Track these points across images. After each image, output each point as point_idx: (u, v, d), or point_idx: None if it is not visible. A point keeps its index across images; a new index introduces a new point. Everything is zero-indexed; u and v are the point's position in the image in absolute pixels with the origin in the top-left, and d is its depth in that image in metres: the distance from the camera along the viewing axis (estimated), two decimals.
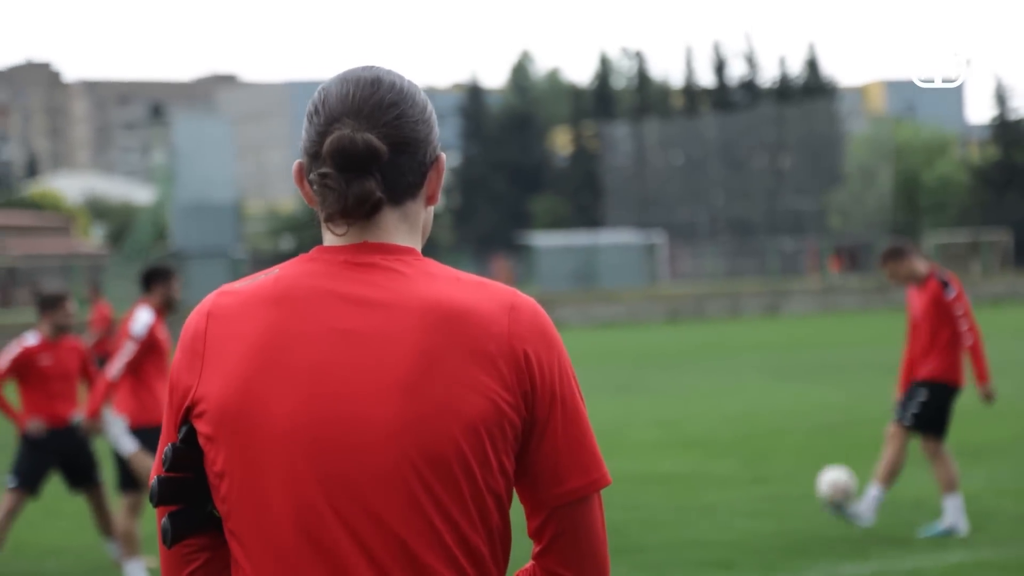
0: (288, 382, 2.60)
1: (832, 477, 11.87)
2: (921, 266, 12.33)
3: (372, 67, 2.77)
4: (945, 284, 12.19)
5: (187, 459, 2.67)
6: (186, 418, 2.68)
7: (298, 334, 2.62)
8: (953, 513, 11.93)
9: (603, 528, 2.75)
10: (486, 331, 2.62)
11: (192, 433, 2.67)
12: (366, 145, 2.65)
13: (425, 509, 2.57)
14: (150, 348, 11.14)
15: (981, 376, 12.25)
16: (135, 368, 11.08)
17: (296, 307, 2.64)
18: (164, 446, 2.70)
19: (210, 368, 2.65)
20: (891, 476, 12.03)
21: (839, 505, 11.71)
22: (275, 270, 2.72)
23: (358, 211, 2.67)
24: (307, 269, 2.69)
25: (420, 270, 2.68)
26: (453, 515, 2.59)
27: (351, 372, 2.60)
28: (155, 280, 11.31)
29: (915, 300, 12.37)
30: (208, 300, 2.73)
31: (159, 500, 2.68)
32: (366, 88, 2.71)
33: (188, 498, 2.68)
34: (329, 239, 2.74)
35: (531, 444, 2.67)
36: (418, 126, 2.73)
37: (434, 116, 2.80)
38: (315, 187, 2.69)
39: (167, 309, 11.34)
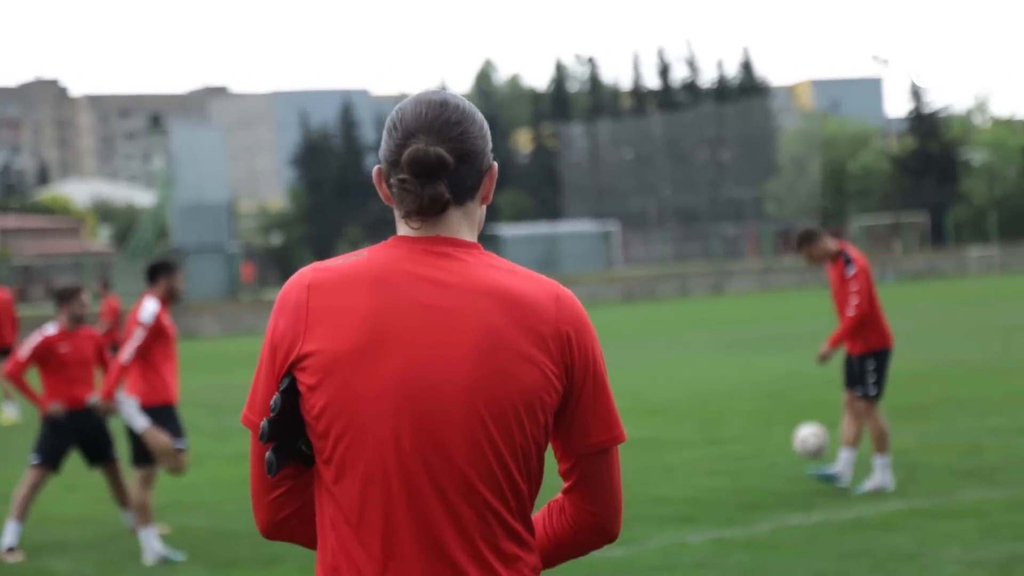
0: (388, 345, 2.91)
1: (802, 438, 11.91)
2: (831, 245, 12.28)
3: (441, 91, 3.05)
4: (847, 261, 12.18)
5: (289, 404, 2.93)
6: (289, 371, 2.95)
7: (394, 307, 2.92)
8: (882, 470, 11.90)
9: (619, 474, 3.11)
10: (539, 315, 2.96)
11: (293, 383, 2.94)
12: (437, 156, 2.94)
13: (484, 451, 2.91)
14: (157, 334, 11.09)
15: (834, 341, 12.23)
16: (144, 353, 11.04)
17: (391, 285, 2.94)
18: (266, 396, 2.97)
19: (315, 330, 2.93)
20: (882, 442, 11.97)
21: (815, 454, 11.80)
22: (363, 253, 3.00)
23: (431, 210, 2.97)
24: (393, 254, 2.98)
25: (483, 261, 3.00)
26: (505, 458, 2.92)
27: (434, 339, 2.91)
28: (160, 273, 11.27)
29: (831, 276, 12.38)
30: (306, 275, 2.99)
31: (268, 438, 2.93)
32: (436, 109, 2.99)
33: (285, 436, 2.94)
34: (404, 231, 3.02)
35: (568, 406, 3.01)
36: (477, 141, 3.02)
37: (488, 132, 3.07)
38: (394, 190, 2.99)
39: (171, 299, 11.30)
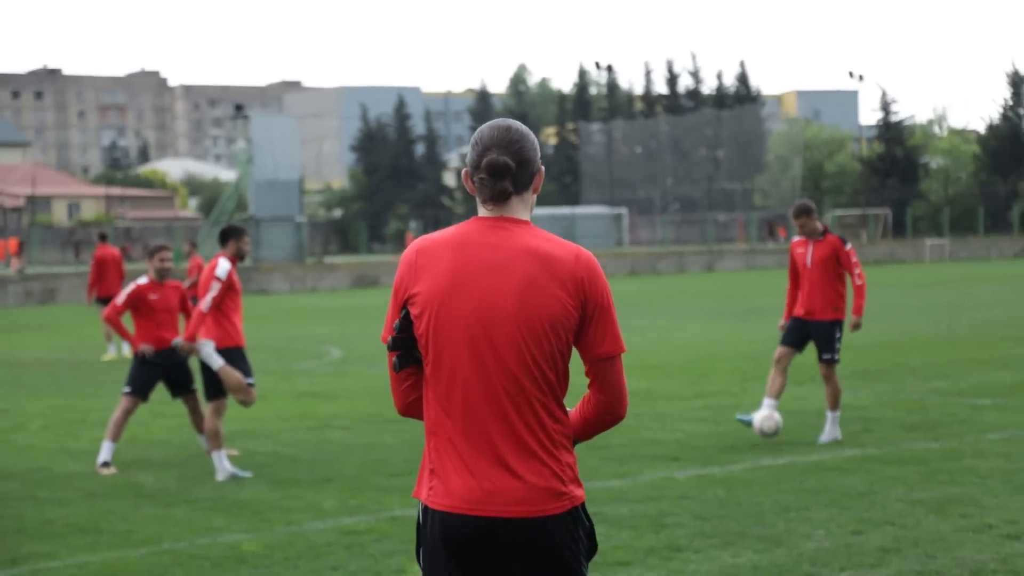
0: (463, 288, 3.72)
1: (759, 425, 11.62)
2: (819, 224, 12.20)
3: (507, 119, 3.84)
4: (844, 240, 12.10)
5: (405, 327, 3.79)
6: (404, 305, 3.79)
7: (468, 263, 3.73)
8: (833, 424, 11.82)
9: (622, 374, 3.84)
10: (562, 266, 3.73)
11: (407, 313, 3.78)
12: (504, 163, 3.76)
13: (523, 354, 3.70)
14: (229, 288, 11.13)
15: (859, 310, 12.06)
16: (218, 303, 11.08)
17: (467, 249, 3.75)
18: (391, 322, 3.82)
19: (420, 279, 3.76)
20: (837, 400, 11.91)
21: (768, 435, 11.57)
22: (453, 228, 3.80)
23: (500, 199, 3.78)
24: (471, 228, 3.78)
25: (529, 232, 3.78)
26: (539, 360, 3.71)
27: (491, 284, 3.72)
28: (229, 237, 11.32)
29: (813, 251, 11.97)
30: (418, 242, 3.83)
31: (393, 347, 3.80)
32: (503, 131, 3.80)
33: (405, 346, 3.80)
34: (482, 212, 3.81)
35: (584, 327, 3.77)
36: (530, 152, 3.81)
37: (537, 146, 3.85)
38: (476, 184, 3.78)
39: (239, 259, 11.33)
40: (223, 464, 10.91)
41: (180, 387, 11.88)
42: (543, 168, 3.87)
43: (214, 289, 10.97)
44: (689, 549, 7.88)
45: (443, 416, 3.73)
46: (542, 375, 3.70)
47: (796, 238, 12.28)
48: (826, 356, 11.97)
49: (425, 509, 3.74)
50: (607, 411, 3.83)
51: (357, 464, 11.31)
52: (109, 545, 8.54)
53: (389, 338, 3.80)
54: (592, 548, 3.82)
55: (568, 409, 3.85)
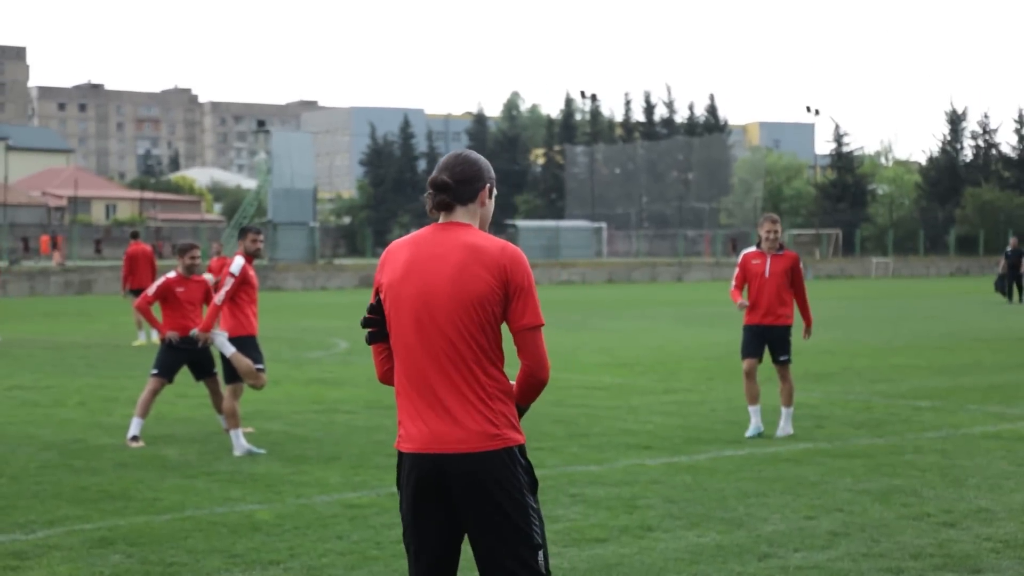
0: (412, 275, 4.12)
1: None
2: (782, 238, 12.12)
3: (465, 151, 4.26)
4: (799, 257, 12.05)
5: (376, 310, 4.21)
6: (377, 292, 4.21)
7: (418, 256, 4.14)
8: (786, 420, 11.78)
9: (543, 345, 4.13)
10: (489, 255, 4.09)
11: (379, 300, 4.20)
12: (442, 181, 4.16)
13: (459, 325, 4.07)
14: (243, 282, 11.07)
15: (811, 322, 11.98)
16: (233, 296, 11.03)
17: (419, 246, 4.16)
18: (370, 304, 4.22)
19: (385, 271, 4.20)
20: (791, 398, 11.85)
21: None
22: (415, 232, 4.19)
23: (440, 207, 4.19)
24: (427, 231, 4.19)
25: (468, 232, 4.15)
26: (471, 328, 4.07)
27: (434, 270, 4.10)
28: (240, 237, 11.32)
29: (772, 263, 11.78)
30: (389, 245, 4.24)
31: (364, 325, 4.21)
32: (453, 158, 4.22)
33: (375, 324, 4.22)
34: (436, 220, 4.21)
35: (508, 304, 4.11)
36: (471, 173, 4.19)
37: (485, 169, 4.21)
38: (427, 197, 4.20)
39: (252, 256, 11.27)
40: (240, 441, 10.84)
41: (203, 370, 11.81)
42: (490, 185, 4.22)
43: (228, 284, 10.95)
44: (659, 529, 7.84)
45: (402, 377, 4.14)
46: (474, 340, 4.05)
47: (750, 250, 12.04)
48: (783, 358, 11.91)
49: (399, 455, 4.16)
50: (531, 374, 4.10)
51: (361, 444, 11.25)
52: (137, 511, 8.47)
53: (363, 317, 4.23)
54: (533, 483, 4.09)
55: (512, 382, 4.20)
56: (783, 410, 11.82)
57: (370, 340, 4.22)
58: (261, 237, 11.42)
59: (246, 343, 11.05)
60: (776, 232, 11.89)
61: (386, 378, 4.28)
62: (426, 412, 4.05)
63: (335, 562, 7.04)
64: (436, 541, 4.07)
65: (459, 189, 4.14)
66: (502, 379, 4.10)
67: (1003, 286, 37.22)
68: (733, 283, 12.02)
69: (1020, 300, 36.55)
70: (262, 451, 10.87)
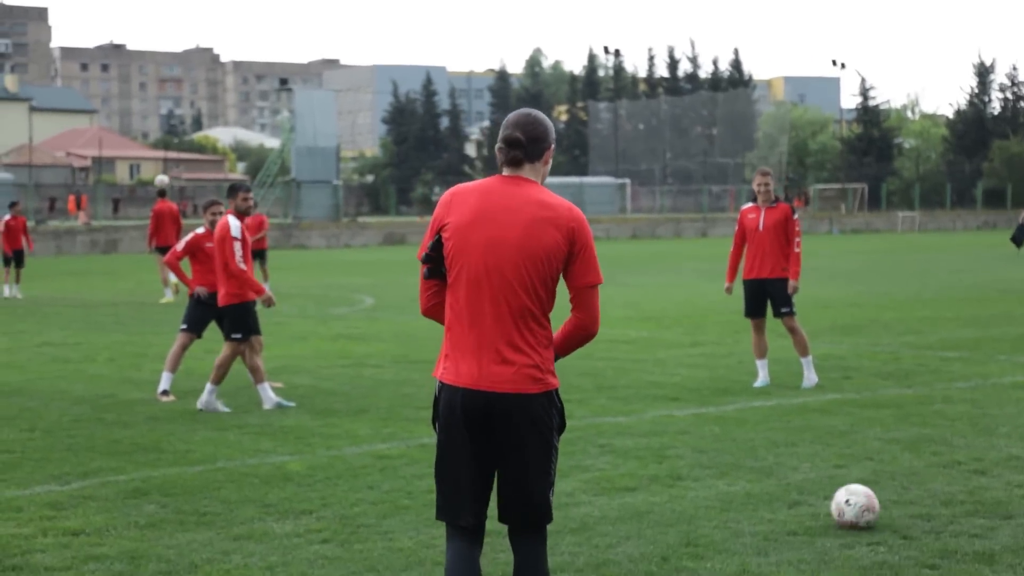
0: (482, 223, 4.37)
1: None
2: (776, 192, 12.08)
3: (531, 110, 4.49)
4: (794, 209, 12.00)
5: (436, 248, 4.42)
6: (438, 232, 4.41)
7: (488, 205, 4.38)
8: (808, 368, 11.76)
9: (598, 301, 4.44)
10: (558, 214, 4.38)
11: (440, 238, 4.41)
12: (516, 138, 4.40)
13: (524, 275, 4.36)
14: (245, 241, 11.04)
15: (796, 275, 11.84)
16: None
17: (488, 196, 4.40)
18: (426, 243, 4.44)
19: (452, 213, 4.41)
20: (806, 347, 11.83)
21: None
22: (480, 181, 4.42)
23: (512, 164, 4.44)
24: (495, 181, 4.43)
25: (536, 189, 4.42)
26: (535, 279, 4.36)
27: (504, 221, 4.36)
28: (230, 196, 11.23)
29: (765, 216, 11.73)
30: (454, 188, 4.48)
31: (424, 261, 4.44)
32: (523, 116, 4.45)
33: (433, 262, 4.43)
34: (504, 173, 4.45)
35: (571, 262, 4.40)
36: (541, 133, 4.43)
37: (551, 130, 4.46)
38: (498, 152, 4.42)
39: (243, 214, 11.19)
40: (268, 394, 10.89)
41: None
42: (553, 146, 4.47)
43: (237, 248, 10.86)
44: (688, 478, 7.86)
45: (460, 316, 4.39)
46: (535, 291, 4.34)
47: (747, 206, 12.02)
48: (784, 310, 11.80)
49: (441, 385, 4.41)
50: (583, 327, 4.44)
51: (389, 398, 11.30)
52: (169, 462, 8.54)
53: (423, 254, 4.43)
54: (562, 425, 4.48)
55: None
56: (802, 360, 11.77)
57: (427, 276, 4.46)
58: (251, 195, 11.39)
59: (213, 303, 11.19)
60: (767, 184, 11.82)
61: (430, 312, 4.52)
62: (479, 352, 4.34)
63: (367, 511, 7.09)
64: (474, 472, 4.39)
65: (530, 147, 4.40)
66: (549, 329, 4.42)
67: (1020, 237, 36.53)
68: (733, 243, 12.01)
69: None
70: (292, 404, 10.92)
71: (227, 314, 10.97)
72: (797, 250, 11.87)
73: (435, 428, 4.46)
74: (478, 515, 4.42)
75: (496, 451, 4.38)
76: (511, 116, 4.44)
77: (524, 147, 4.38)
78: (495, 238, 4.32)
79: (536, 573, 4.43)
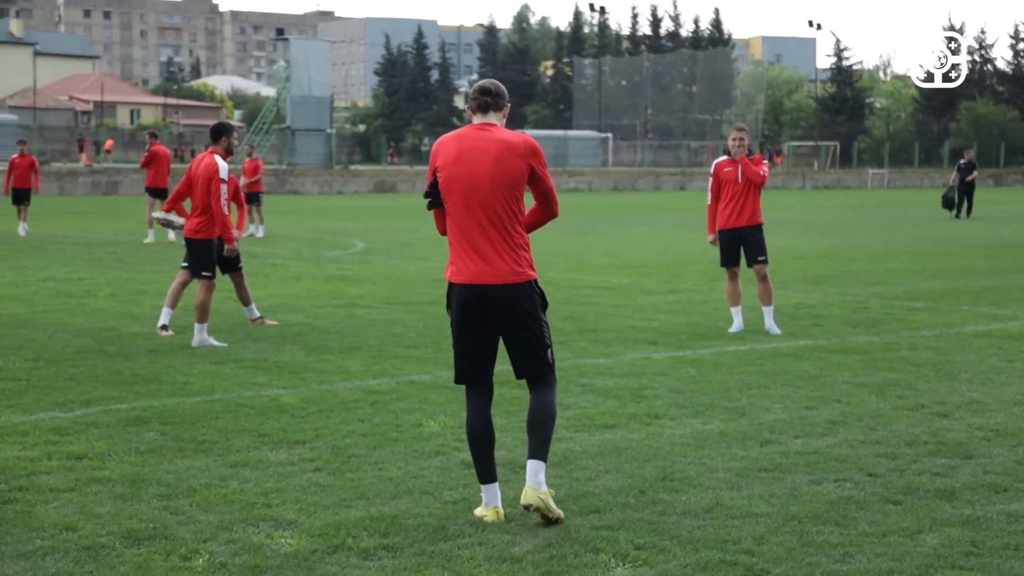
0: (462, 160, 5.52)
1: None
2: (752, 146, 12.02)
3: (490, 79, 5.72)
4: (771, 159, 11.94)
5: (434, 186, 5.60)
6: (434, 172, 5.58)
7: (465, 147, 5.53)
8: (768, 317, 11.74)
9: (555, 195, 5.78)
10: (518, 147, 5.54)
11: (436, 178, 5.59)
12: (486, 87, 5.63)
13: (500, 195, 5.52)
14: (230, 184, 10.96)
15: (755, 176, 11.66)
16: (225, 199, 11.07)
17: (464, 140, 5.55)
18: (428, 182, 5.63)
19: (439, 156, 5.58)
20: (770, 297, 11.80)
21: None
22: (458, 131, 5.55)
23: (482, 109, 5.63)
24: (469, 129, 5.55)
25: (499, 130, 5.58)
26: (507, 198, 5.54)
27: (478, 158, 5.51)
28: (221, 134, 10.99)
29: (743, 168, 11.61)
30: (441, 137, 5.61)
31: (426, 195, 5.64)
32: (488, 81, 5.66)
33: (433, 195, 5.61)
34: (474, 121, 5.61)
35: (532, 178, 5.61)
36: (502, 92, 5.65)
37: (506, 95, 5.66)
38: (470, 103, 5.63)
39: (229, 154, 11.10)
40: (202, 336, 10.68)
41: (229, 265, 11.79)
42: (508, 108, 5.67)
43: (223, 190, 10.79)
44: (665, 416, 7.88)
45: (456, 231, 5.57)
46: (509, 207, 5.53)
47: (721, 159, 11.88)
48: (760, 258, 11.77)
49: (450, 284, 5.60)
50: (549, 212, 5.80)
51: (379, 336, 11.29)
52: (169, 393, 8.54)
53: (424, 191, 5.65)
54: (544, 304, 5.65)
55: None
56: (764, 309, 11.75)
57: (430, 206, 5.64)
58: (235, 134, 11.31)
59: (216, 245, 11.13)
60: (743, 140, 11.72)
61: (444, 231, 5.69)
62: (473, 256, 5.52)
63: (358, 442, 7.10)
64: (480, 343, 5.60)
65: (495, 99, 5.62)
66: (524, 234, 5.63)
67: (950, 201, 35.76)
68: (709, 196, 11.87)
69: (968, 215, 34.37)
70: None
71: (192, 249, 10.90)
72: (764, 172, 11.70)
73: (449, 314, 5.66)
74: (485, 376, 5.61)
75: (496, 327, 5.58)
76: (479, 83, 5.64)
77: (492, 96, 5.59)
78: (474, 172, 5.47)
79: (544, 408, 5.57)
